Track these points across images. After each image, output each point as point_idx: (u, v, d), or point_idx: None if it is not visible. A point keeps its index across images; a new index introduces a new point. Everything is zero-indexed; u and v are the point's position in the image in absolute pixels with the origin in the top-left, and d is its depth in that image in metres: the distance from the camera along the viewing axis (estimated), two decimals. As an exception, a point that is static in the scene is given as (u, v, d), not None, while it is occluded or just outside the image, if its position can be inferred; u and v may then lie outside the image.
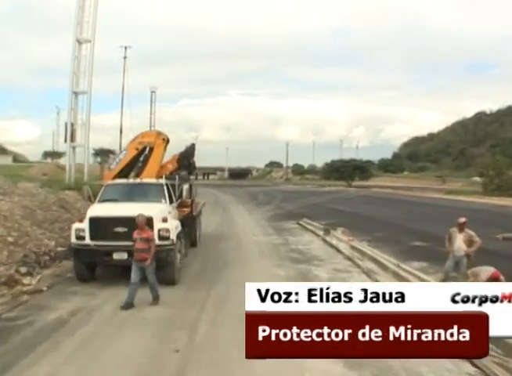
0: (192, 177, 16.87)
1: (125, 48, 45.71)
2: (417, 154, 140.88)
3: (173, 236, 11.58)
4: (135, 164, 14.85)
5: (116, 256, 11.42)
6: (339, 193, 52.20)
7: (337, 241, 18.59)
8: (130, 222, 11.24)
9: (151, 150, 14.58)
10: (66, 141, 26.90)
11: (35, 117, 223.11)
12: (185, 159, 15.05)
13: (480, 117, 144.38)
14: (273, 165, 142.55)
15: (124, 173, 14.44)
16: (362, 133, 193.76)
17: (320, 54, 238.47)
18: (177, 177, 14.05)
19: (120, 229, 11.41)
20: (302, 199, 42.49)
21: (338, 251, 17.16)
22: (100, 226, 11.42)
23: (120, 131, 39.19)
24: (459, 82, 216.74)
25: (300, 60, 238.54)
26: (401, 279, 12.57)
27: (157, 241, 11.33)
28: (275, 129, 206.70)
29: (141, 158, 14.75)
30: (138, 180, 13.68)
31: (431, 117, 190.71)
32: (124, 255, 11.35)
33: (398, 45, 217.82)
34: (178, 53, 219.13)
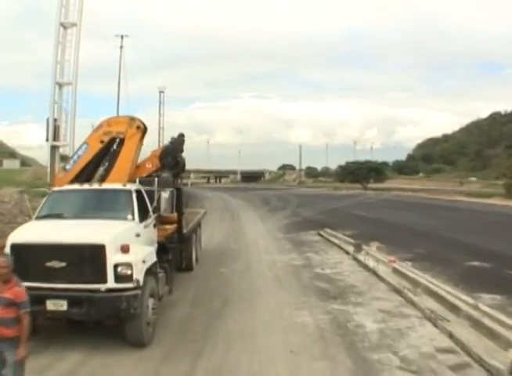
0: (184, 181, 12.45)
1: (122, 37, 41.33)
2: (432, 156, 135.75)
3: (138, 274, 7.14)
4: (100, 163, 10.43)
5: (50, 305, 7.05)
6: (358, 197, 47.29)
7: (373, 262, 14.02)
8: (70, 253, 7.10)
9: (121, 142, 10.11)
10: (47, 139, 22.55)
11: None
12: (170, 155, 10.54)
13: (495, 117, 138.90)
14: (286, 168, 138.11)
15: (84, 176, 10.00)
16: (375, 135, 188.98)
17: (332, 56, 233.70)
18: (156, 180, 9.62)
19: (55, 264, 7.04)
20: (319, 204, 37.88)
21: (378, 277, 12.62)
22: (26, 258, 7.01)
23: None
24: (472, 83, 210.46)
25: (311, 62, 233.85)
26: (487, 331, 8.02)
27: (113, 284, 6.99)
28: (287, 132, 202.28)
29: (108, 154, 10.32)
30: (95, 186, 9.20)
31: (444, 119, 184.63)
32: (63, 304, 7.03)
33: (410, 46, 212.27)
34: (190, 56, 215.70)
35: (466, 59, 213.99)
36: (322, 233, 21.27)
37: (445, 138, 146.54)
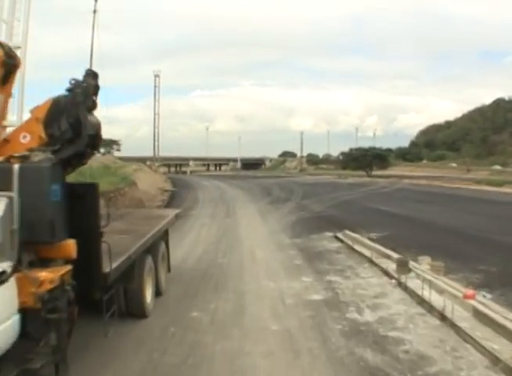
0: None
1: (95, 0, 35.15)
2: (435, 142, 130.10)
3: None
4: None
5: None
6: (369, 186, 41.31)
7: (436, 295, 8.54)
8: None
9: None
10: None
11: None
12: (65, 119, 5.04)
13: (499, 103, 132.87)
14: (287, 155, 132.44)
15: None
16: (376, 122, 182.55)
17: (333, 43, 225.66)
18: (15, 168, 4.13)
19: None
20: (327, 194, 32.27)
21: (458, 330, 7.18)
22: None
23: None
24: (474, 71, 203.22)
25: (313, 50, 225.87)
26: None
27: None
28: (288, 119, 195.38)
29: None
30: None
31: (445, 106, 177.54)
32: None
33: (412, 34, 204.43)
34: (191, 44, 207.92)
35: (468, 46, 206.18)
36: (340, 236, 15.77)
37: (448, 124, 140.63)
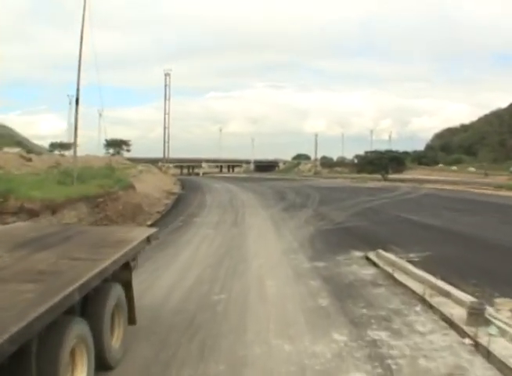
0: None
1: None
2: (451, 146, 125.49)
3: None
4: None
5: None
6: (390, 191, 37.13)
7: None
8: None
9: None
10: None
11: (62, 111, 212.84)
12: None
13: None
14: (300, 158, 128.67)
15: None
16: (389, 125, 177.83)
17: (346, 46, 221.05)
18: None
19: None
20: (347, 200, 28.66)
21: None
22: None
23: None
24: (487, 74, 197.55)
25: (325, 52, 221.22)
26: None
27: None
28: (301, 121, 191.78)
29: None
30: None
31: (458, 109, 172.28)
32: None
33: (425, 36, 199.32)
34: (204, 46, 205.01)
35: (481, 49, 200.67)
36: (373, 257, 12.23)
37: (464, 128, 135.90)
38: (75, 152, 20.46)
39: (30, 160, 30.71)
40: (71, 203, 15.39)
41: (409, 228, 17.31)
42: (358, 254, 12.84)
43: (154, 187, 33.48)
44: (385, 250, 12.83)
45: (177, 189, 41.44)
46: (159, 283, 9.30)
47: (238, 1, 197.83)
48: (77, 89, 20.50)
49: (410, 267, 10.64)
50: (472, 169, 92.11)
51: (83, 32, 19.63)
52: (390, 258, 11.74)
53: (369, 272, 10.82)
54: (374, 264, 11.77)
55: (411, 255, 12.59)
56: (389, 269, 10.86)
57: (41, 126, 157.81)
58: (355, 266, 11.36)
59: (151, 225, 19.23)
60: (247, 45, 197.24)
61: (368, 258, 12.35)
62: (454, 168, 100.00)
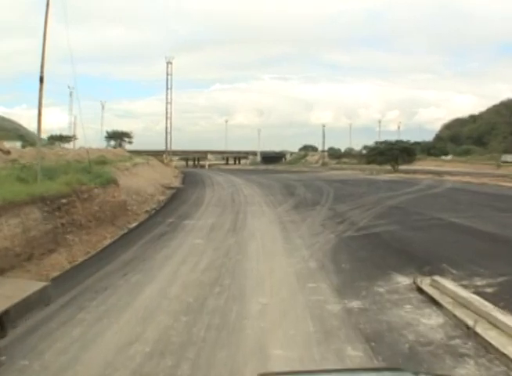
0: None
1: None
2: (460, 136, 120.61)
3: None
4: None
5: None
6: (411, 185, 32.27)
7: None
8: None
9: None
10: None
11: (68, 105, 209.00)
12: None
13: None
14: (307, 149, 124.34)
15: None
16: (396, 117, 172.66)
17: (352, 37, 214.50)
18: None
19: None
20: (365, 195, 24.37)
21: None
22: None
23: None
24: (494, 65, 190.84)
25: (332, 44, 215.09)
26: None
27: None
28: (307, 113, 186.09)
29: None
30: None
31: (465, 100, 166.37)
32: None
33: (431, 28, 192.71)
34: (210, 38, 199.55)
35: (487, 41, 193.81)
36: (429, 288, 8.10)
37: (473, 119, 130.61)
38: (40, 144, 16.45)
39: (8, 152, 26.62)
40: (16, 207, 11.32)
41: (456, 235, 13.06)
42: (403, 280, 8.73)
43: (149, 182, 29.43)
44: (438, 272, 8.81)
45: (177, 182, 37.44)
46: (87, 357, 5.27)
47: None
48: (42, 65, 16.41)
49: (499, 316, 6.53)
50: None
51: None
52: (454, 291, 7.65)
53: (433, 321, 6.68)
54: (433, 300, 7.67)
55: (478, 283, 8.52)
56: (462, 315, 6.77)
57: (47, 119, 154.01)
58: (409, 308, 7.23)
59: (131, 230, 15.30)
60: (254, 38, 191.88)
61: (421, 290, 8.25)
62: (462, 158, 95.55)
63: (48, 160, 29.30)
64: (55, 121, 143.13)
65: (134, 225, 16.59)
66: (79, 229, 14.21)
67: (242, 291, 7.87)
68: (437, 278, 8.53)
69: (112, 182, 18.85)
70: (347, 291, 7.96)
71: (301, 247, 11.38)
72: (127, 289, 8.07)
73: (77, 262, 11.26)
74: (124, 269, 9.59)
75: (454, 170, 60.00)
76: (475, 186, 31.31)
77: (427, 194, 25.21)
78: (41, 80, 16.63)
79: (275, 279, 8.61)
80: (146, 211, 19.72)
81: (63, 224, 13.53)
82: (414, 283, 8.68)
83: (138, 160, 40.12)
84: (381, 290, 8.14)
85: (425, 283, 8.51)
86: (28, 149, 31.07)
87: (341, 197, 23.19)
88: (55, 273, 10.06)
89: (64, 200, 13.99)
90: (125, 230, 15.66)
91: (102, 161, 30.73)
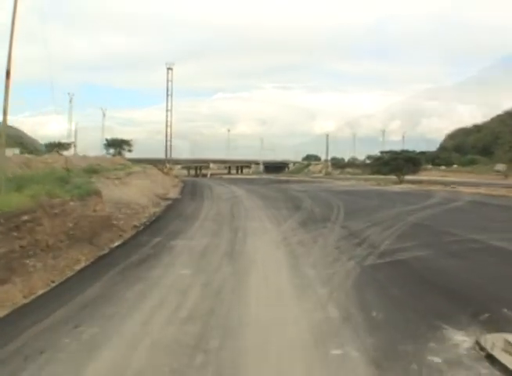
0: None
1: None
2: (464, 146, 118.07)
3: None
4: None
5: None
6: (428, 197, 28.95)
7: None
8: None
9: None
10: None
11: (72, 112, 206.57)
12: None
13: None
14: (310, 158, 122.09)
15: None
16: (399, 126, 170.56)
17: (355, 48, 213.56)
18: None
19: None
20: (380, 209, 21.58)
21: None
22: None
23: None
24: (497, 75, 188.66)
25: (334, 54, 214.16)
26: None
27: None
28: (310, 122, 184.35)
29: None
30: None
31: (467, 110, 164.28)
32: None
33: (434, 39, 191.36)
34: (213, 47, 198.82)
35: (489, 51, 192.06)
36: (503, 357, 5.54)
37: (477, 128, 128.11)
38: (4, 149, 13.96)
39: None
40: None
41: (508, 266, 10.43)
42: (462, 340, 6.12)
43: (143, 192, 26.90)
44: (504, 323, 6.26)
45: (175, 193, 34.93)
46: None
47: (247, 3, 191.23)
48: (9, 58, 13.99)
49: None
50: (500, 166, 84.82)
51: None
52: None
53: None
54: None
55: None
56: None
57: (50, 127, 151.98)
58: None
59: (112, 251, 12.76)
60: (257, 47, 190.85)
61: (492, 358, 5.64)
62: (468, 168, 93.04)
63: (34, 168, 26.73)
64: (58, 129, 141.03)
65: (117, 243, 14.06)
66: (44, 251, 11.64)
67: (235, 363, 5.25)
68: (510, 337, 5.94)
69: (93, 193, 16.30)
70: (389, 363, 5.33)
71: (315, 283, 8.74)
72: (70, 356, 5.50)
73: (34, 296, 8.73)
74: (80, 316, 7.02)
75: (461, 180, 57.49)
76: (497, 199, 28.53)
77: (449, 209, 22.44)
78: (8, 74, 14.19)
79: (283, 340, 5.98)
80: (135, 227, 17.17)
81: (22, 246, 10.95)
82: (477, 343, 6.09)
83: (135, 168, 37.75)
84: (437, 360, 5.51)
85: (496, 345, 5.90)
86: (12, 155, 28.55)
87: (353, 212, 20.54)
88: (3, 312, 7.54)
89: (26, 217, 11.44)
90: (106, 250, 13.11)
91: (93, 170, 28.28)
